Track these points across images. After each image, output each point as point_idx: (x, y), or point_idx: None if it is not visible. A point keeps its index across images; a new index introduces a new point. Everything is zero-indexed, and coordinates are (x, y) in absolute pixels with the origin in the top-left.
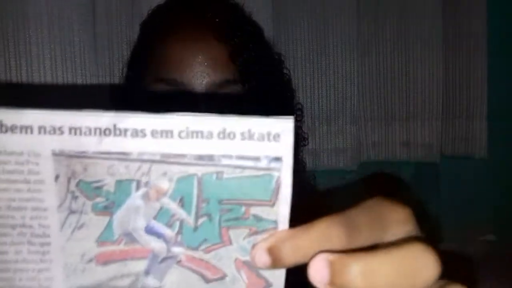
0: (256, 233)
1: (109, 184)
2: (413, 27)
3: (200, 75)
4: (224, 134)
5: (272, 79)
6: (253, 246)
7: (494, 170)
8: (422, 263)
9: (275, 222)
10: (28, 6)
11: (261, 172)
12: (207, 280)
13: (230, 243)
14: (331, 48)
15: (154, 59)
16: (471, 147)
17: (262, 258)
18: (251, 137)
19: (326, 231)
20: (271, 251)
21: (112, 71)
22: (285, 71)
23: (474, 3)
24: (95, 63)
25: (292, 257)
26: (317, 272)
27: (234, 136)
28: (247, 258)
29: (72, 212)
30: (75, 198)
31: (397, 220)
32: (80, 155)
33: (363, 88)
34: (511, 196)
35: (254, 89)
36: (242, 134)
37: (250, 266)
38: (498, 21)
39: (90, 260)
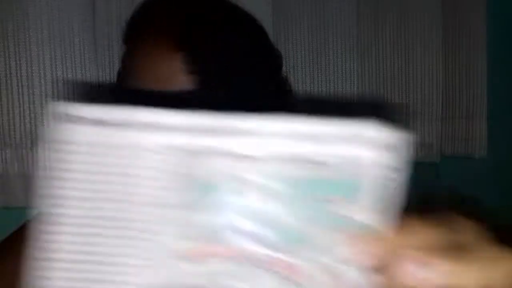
0: (350, 235)
1: (211, 180)
2: (413, 27)
3: (157, 86)
4: (320, 137)
5: (245, 83)
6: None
7: (494, 170)
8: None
9: (367, 224)
10: (28, 6)
11: (352, 171)
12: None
13: (322, 245)
14: (331, 48)
15: (125, 65)
16: (471, 147)
17: (363, 256)
18: (345, 139)
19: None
20: (372, 248)
21: (112, 71)
22: (283, 72)
23: (474, 3)
24: (95, 63)
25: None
26: (412, 270)
27: (329, 137)
28: (340, 264)
29: (167, 207)
30: (181, 192)
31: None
32: (193, 151)
33: (363, 88)
34: (511, 196)
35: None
36: (336, 135)
37: (342, 272)
38: (498, 21)
39: (180, 257)
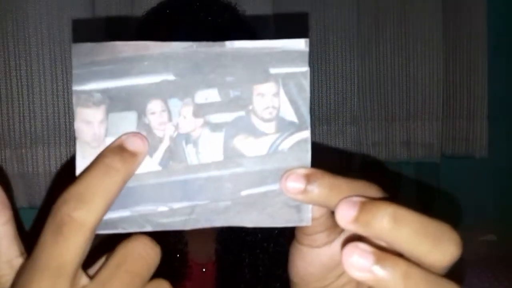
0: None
1: None
2: (413, 27)
3: None
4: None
5: None
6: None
7: (494, 170)
8: (448, 238)
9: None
10: (28, 6)
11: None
12: None
13: None
14: (331, 48)
15: None
16: (472, 147)
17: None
18: None
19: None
20: (309, 177)
21: None
22: None
23: (474, 3)
24: None
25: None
26: (344, 210)
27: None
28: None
29: None
30: None
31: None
32: None
33: (363, 88)
34: (511, 196)
35: None
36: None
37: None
38: (498, 21)
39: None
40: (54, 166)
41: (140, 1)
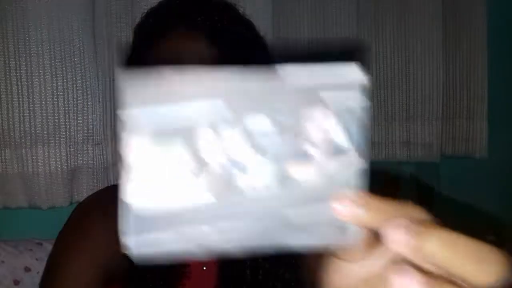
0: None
1: None
2: (413, 27)
3: (189, 61)
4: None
5: None
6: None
7: (494, 170)
8: (496, 261)
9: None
10: (28, 6)
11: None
12: None
13: None
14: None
15: (145, 61)
16: (471, 147)
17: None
18: None
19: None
20: (358, 201)
21: (111, 71)
22: None
23: (474, 3)
24: (94, 62)
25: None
26: (396, 234)
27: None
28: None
29: None
30: None
31: None
32: None
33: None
34: (511, 196)
35: None
36: None
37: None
38: (498, 21)
39: None
40: (54, 166)
41: (140, 1)
